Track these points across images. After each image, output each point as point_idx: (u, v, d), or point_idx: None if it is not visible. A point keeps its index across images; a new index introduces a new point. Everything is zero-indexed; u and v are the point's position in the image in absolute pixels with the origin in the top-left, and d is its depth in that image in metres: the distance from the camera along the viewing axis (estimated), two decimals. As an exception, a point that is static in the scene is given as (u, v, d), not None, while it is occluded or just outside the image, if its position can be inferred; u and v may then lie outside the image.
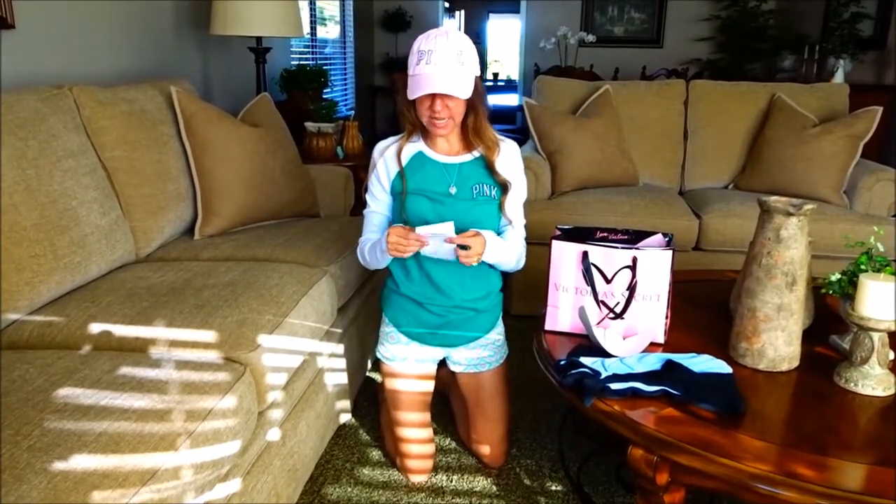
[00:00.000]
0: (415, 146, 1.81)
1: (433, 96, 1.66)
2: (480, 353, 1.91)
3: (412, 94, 1.65)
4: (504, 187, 1.80)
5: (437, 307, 1.82)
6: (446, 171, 1.78)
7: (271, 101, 2.65)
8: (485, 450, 1.96)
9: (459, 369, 1.94)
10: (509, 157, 1.82)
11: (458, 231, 1.65)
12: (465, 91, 1.65)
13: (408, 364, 1.88)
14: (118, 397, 1.25)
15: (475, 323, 1.87)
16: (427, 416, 1.94)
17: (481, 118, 1.75)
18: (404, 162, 1.79)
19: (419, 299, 1.82)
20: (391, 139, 1.84)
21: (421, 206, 1.75)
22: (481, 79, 1.75)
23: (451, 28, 1.69)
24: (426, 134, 1.80)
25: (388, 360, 1.89)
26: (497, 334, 1.94)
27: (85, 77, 2.37)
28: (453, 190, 1.77)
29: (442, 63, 1.62)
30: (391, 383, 1.90)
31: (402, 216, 1.77)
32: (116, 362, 1.39)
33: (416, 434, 1.91)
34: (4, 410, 1.18)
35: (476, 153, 1.81)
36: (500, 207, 1.81)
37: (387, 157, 1.80)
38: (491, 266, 1.83)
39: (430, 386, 1.93)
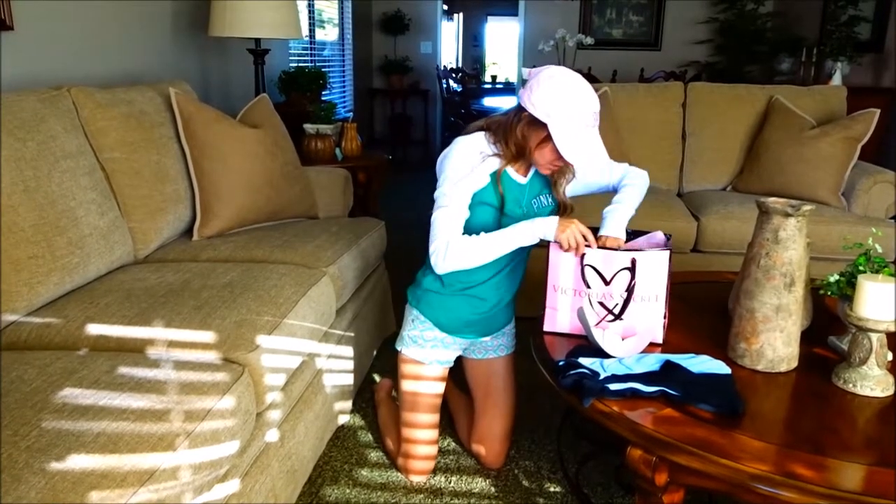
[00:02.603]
0: (499, 163, 1.74)
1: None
2: (498, 340, 1.97)
3: (581, 162, 1.64)
4: (563, 207, 1.85)
5: (483, 302, 1.84)
6: (521, 191, 1.79)
7: (270, 102, 2.65)
8: (485, 449, 1.96)
9: (477, 356, 1.98)
10: (578, 183, 1.90)
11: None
12: None
13: (434, 366, 1.89)
14: (117, 398, 1.25)
15: (505, 312, 1.93)
16: (437, 417, 1.95)
17: None
18: (494, 175, 1.74)
19: (472, 293, 1.82)
20: (483, 143, 1.74)
21: (486, 217, 1.74)
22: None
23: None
24: (514, 161, 1.75)
25: (423, 362, 1.88)
26: (513, 324, 2.02)
27: (84, 78, 2.38)
28: (522, 209, 1.79)
29: (596, 128, 1.67)
30: (414, 385, 1.90)
31: (494, 228, 1.73)
32: (115, 363, 1.39)
33: (425, 435, 1.91)
34: (3, 411, 1.18)
35: (531, 171, 1.82)
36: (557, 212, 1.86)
37: (485, 166, 1.72)
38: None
39: (443, 388, 1.94)
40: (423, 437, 1.91)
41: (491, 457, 1.97)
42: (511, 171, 1.77)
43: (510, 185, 1.76)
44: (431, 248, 1.69)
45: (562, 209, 1.85)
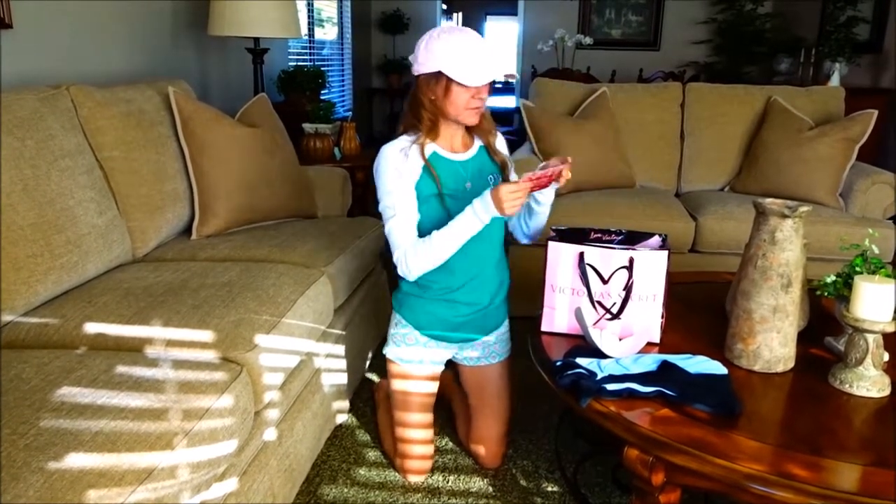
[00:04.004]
0: (429, 147, 1.76)
1: (477, 90, 1.67)
2: (490, 346, 1.95)
3: (476, 81, 1.64)
4: (503, 165, 1.85)
5: (465, 306, 1.83)
6: (461, 168, 1.78)
7: (269, 101, 2.65)
8: (483, 449, 1.97)
9: (470, 363, 1.96)
10: (501, 143, 1.89)
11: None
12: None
13: (421, 366, 1.89)
14: (115, 396, 1.25)
15: (494, 315, 1.92)
16: (430, 417, 1.94)
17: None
18: (426, 166, 1.74)
19: (454, 298, 1.82)
20: (403, 140, 1.76)
21: (432, 210, 1.74)
22: None
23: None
24: (433, 133, 1.76)
25: (403, 362, 1.89)
26: (506, 329, 2.00)
27: (82, 77, 2.37)
28: (469, 185, 1.78)
29: (488, 51, 1.66)
30: (401, 385, 1.90)
31: (445, 215, 1.74)
32: (113, 362, 1.39)
33: (419, 435, 1.91)
34: (2, 409, 1.18)
35: (475, 147, 1.83)
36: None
37: (411, 158, 1.73)
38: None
39: (435, 387, 1.94)
40: (416, 436, 1.91)
41: (489, 458, 1.97)
42: (440, 150, 1.77)
43: (443, 164, 1.75)
44: (395, 261, 1.75)
45: (503, 168, 1.86)
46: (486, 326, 1.92)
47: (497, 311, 1.93)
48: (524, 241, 1.95)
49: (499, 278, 1.90)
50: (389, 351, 1.91)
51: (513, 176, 1.85)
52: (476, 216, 1.64)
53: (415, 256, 1.71)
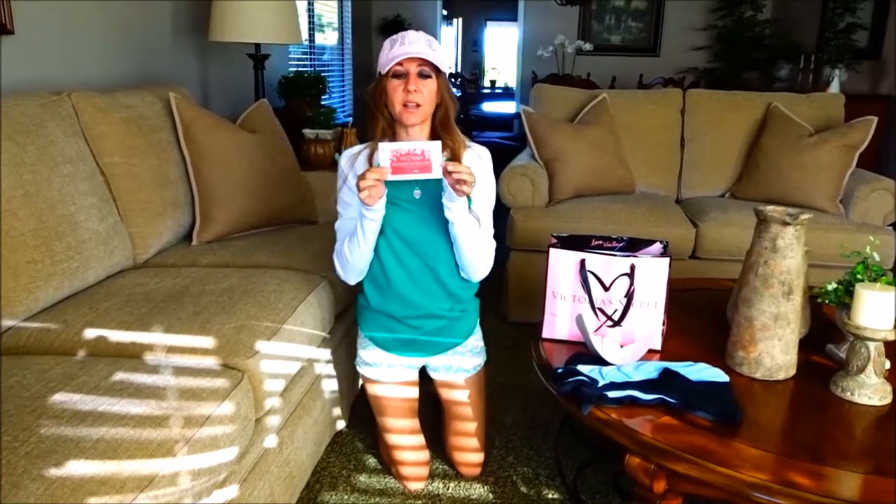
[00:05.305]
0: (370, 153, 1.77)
1: (406, 80, 1.66)
2: (457, 360, 1.89)
3: (384, 67, 1.67)
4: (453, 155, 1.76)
5: (409, 318, 1.80)
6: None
7: (270, 107, 2.65)
8: (459, 459, 1.96)
9: (437, 376, 1.92)
10: (477, 160, 1.78)
11: (419, 240, 1.73)
12: (438, 61, 1.68)
13: (385, 371, 1.87)
14: (116, 403, 1.25)
15: (451, 330, 1.85)
16: (415, 423, 1.93)
17: (450, 113, 1.76)
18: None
19: (392, 313, 1.80)
20: (359, 146, 1.82)
21: (386, 213, 1.70)
22: (456, 79, 1.74)
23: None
24: (395, 137, 1.76)
25: (366, 366, 1.88)
26: (475, 341, 1.91)
27: (83, 83, 2.38)
28: (417, 194, 1.73)
29: (414, 43, 1.67)
30: (372, 389, 1.90)
31: (395, 221, 1.73)
32: (114, 368, 1.38)
33: (405, 441, 1.90)
34: (2, 416, 1.18)
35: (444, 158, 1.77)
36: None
37: (357, 163, 1.77)
38: (457, 266, 1.79)
39: (413, 392, 1.91)
40: (402, 442, 1.90)
41: (466, 467, 1.97)
42: None
43: None
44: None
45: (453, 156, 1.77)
46: (448, 338, 1.86)
47: (459, 325, 1.86)
48: (465, 276, 1.82)
49: (449, 297, 1.82)
50: (357, 359, 1.91)
51: (475, 192, 1.72)
52: (360, 222, 1.68)
53: (338, 254, 1.79)
